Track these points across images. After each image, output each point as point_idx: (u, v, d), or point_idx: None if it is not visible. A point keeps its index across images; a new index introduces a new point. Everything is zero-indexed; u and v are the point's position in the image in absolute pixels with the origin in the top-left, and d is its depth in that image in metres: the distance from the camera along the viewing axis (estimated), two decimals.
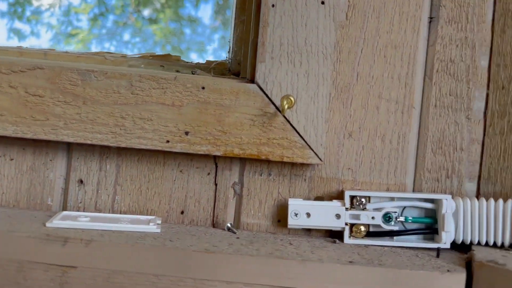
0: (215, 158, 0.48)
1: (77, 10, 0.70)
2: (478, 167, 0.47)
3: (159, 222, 0.45)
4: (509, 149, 0.45)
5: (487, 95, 0.47)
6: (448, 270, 0.38)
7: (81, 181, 0.48)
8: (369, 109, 0.47)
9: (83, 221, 0.43)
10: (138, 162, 0.48)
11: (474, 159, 0.47)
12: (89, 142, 0.45)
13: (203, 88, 0.45)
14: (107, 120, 0.45)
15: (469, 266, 0.39)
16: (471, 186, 0.47)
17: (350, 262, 0.38)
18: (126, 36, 0.70)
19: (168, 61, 0.53)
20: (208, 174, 0.48)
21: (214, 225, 0.48)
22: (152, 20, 0.71)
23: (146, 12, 0.71)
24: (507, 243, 0.42)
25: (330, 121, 0.47)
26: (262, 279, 0.37)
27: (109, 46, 0.69)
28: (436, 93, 0.47)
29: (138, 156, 0.48)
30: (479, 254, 0.40)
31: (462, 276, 0.38)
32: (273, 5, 0.44)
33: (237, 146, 0.45)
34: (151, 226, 0.43)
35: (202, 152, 0.45)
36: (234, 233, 0.45)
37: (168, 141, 0.45)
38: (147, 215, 0.47)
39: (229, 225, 0.46)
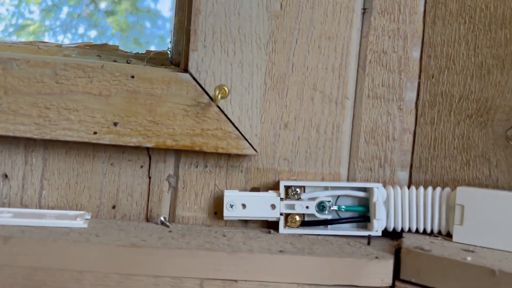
0: (148, 150, 0.46)
1: (29, 0, 0.67)
2: (410, 156, 0.48)
3: (88, 217, 0.43)
4: (439, 138, 0.47)
5: (419, 85, 0.48)
6: (376, 257, 0.38)
7: (6, 176, 0.46)
8: (304, 100, 0.47)
9: (5, 217, 0.41)
10: (66, 155, 0.46)
11: (406, 148, 0.48)
12: (11, 134, 0.42)
13: (132, 77, 0.43)
14: (30, 111, 0.42)
15: (398, 253, 0.40)
16: (404, 175, 0.48)
17: (281, 251, 0.38)
18: (81, 29, 0.67)
19: (105, 51, 0.51)
20: (141, 166, 0.46)
21: (148, 219, 0.47)
22: (109, 12, 0.68)
23: (103, 4, 0.68)
24: (436, 230, 0.43)
25: (266, 111, 0.47)
26: (190, 272, 0.37)
27: (63, 39, 0.66)
28: (369, 84, 0.48)
29: (65, 149, 0.46)
30: (408, 241, 0.41)
31: (390, 263, 0.38)
32: None
33: (169, 137, 0.43)
34: (77, 221, 0.41)
35: (132, 144, 0.43)
36: (168, 226, 0.44)
37: (95, 133, 0.43)
38: (76, 210, 0.45)
39: (162, 218, 0.45)
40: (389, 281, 0.38)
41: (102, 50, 0.51)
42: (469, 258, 0.36)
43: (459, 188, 0.41)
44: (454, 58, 0.46)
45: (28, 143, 0.45)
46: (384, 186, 0.46)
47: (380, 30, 0.48)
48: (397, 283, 0.38)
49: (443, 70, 0.46)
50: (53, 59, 0.43)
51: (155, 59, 0.50)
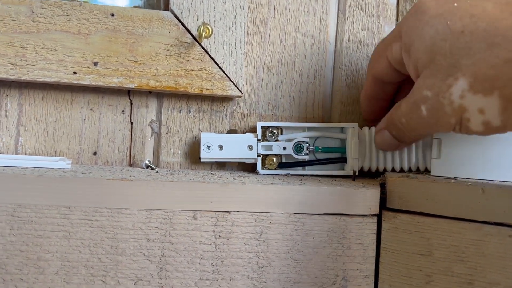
0: (129, 94, 0.45)
1: None
2: None
3: (69, 163, 0.42)
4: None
5: None
6: (363, 186, 0.39)
7: None
8: (286, 43, 0.47)
9: None
10: (43, 100, 0.44)
11: None
12: None
13: (112, 15, 0.42)
14: (6, 51, 0.40)
15: (383, 186, 0.41)
16: None
17: (272, 183, 0.38)
18: None
19: None
20: (123, 112, 0.45)
21: (131, 165, 0.46)
22: None
23: None
24: (414, 167, 0.44)
25: (249, 55, 0.47)
26: (183, 204, 0.36)
27: None
28: (349, 28, 0.48)
29: (42, 94, 0.44)
30: (391, 174, 0.42)
31: (377, 190, 0.39)
32: None
33: (152, 78, 0.42)
34: (60, 162, 0.40)
35: (114, 85, 0.42)
36: (154, 169, 0.43)
37: (75, 73, 0.41)
38: (55, 157, 0.44)
39: (147, 162, 0.44)
40: (376, 209, 0.39)
41: None
42: (453, 181, 0.37)
43: None
44: None
45: (3, 89, 0.43)
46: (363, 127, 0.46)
47: None
48: (385, 211, 0.39)
49: None
50: None
51: None
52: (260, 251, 0.37)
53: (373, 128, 0.45)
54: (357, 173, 0.44)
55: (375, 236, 0.39)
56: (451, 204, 0.36)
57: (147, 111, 0.46)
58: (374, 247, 0.39)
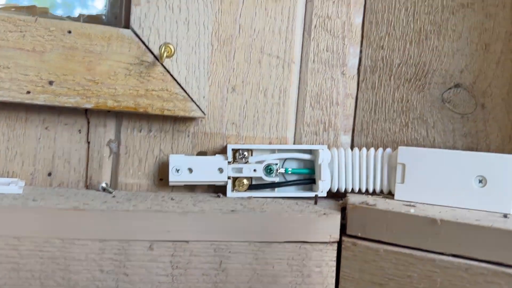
0: (86, 113, 0.43)
1: None
2: (352, 120, 0.49)
3: (22, 185, 0.40)
4: (380, 102, 0.48)
5: (361, 51, 0.49)
6: (324, 213, 0.39)
7: None
8: (251, 63, 0.47)
9: None
10: None
11: (349, 112, 0.49)
12: None
13: (69, 32, 0.40)
14: None
15: (344, 210, 0.41)
16: (346, 139, 0.49)
17: (232, 211, 0.38)
18: None
19: (35, 14, 0.47)
20: (79, 131, 0.44)
21: (87, 187, 0.44)
22: None
23: None
24: (378, 189, 0.45)
25: (213, 74, 0.46)
26: (139, 234, 0.35)
27: None
28: (314, 49, 0.48)
29: None
30: (354, 198, 0.42)
31: (337, 218, 0.39)
32: None
33: (111, 97, 0.41)
34: (11, 187, 0.38)
35: (69, 105, 0.40)
36: (110, 192, 0.42)
37: (29, 92, 0.39)
38: (8, 178, 0.42)
39: (104, 184, 0.43)
40: (336, 236, 0.39)
41: (31, 13, 0.47)
42: (412, 210, 0.38)
43: (400, 148, 0.43)
44: (394, 24, 0.48)
45: None
46: (331, 148, 0.46)
47: None
48: (345, 238, 0.39)
49: (384, 36, 0.48)
50: None
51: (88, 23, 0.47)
52: (219, 281, 0.36)
53: (341, 150, 0.45)
54: (325, 194, 0.45)
55: (334, 263, 0.39)
56: (408, 234, 0.37)
57: (105, 131, 0.44)
58: (334, 275, 0.39)
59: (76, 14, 0.49)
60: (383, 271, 0.37)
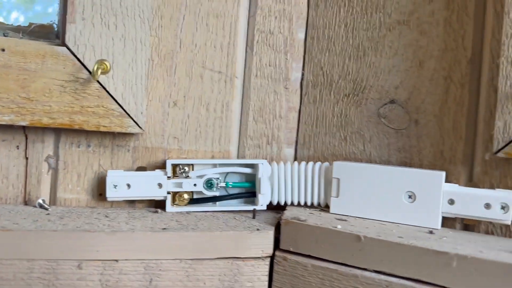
0: (24, 129, 0.43)
1: None
2: (295, 133, 0.50)
3: None
4: (321, 116, 0.49)
5: (303, 66, 0.50)
6: (257, 229, 0.40)
7: None
8: (193, 78, 0.47)
9: None
10: None
11: (292, 126, 0.50)
12: None
13: (3, 50, 0.40)
14: None
15: (279, 225, 0.42)
16: (290, 152, 0.50)
17: (164, 229, 0.38)
18: None
19: None
20: (17, 147, 0.43)
21: (26, 202, 0.44)
22: None
23: None
24: (316, 202, 0.46)
25: (154, 89, 0.46)
26: (67, 254, 0.35)
27: None
28: (257, 64, 0.49)
29: None
30: (289, 213, 0.43)
31: (270, 234, 0.40)
32: None
33: (46, 115, 0.41)
34: None
35: (4, 122, 0.40)
36: (46, 209, 0.42)
37: None
38: None
39: (40, 201, 0.43)
40: (269, 251, 0.40)
41: None
42: (339, 226, 0.38)
43: (335, 163, 0.44)
44: (334, 40, 0.48)
45: None
46: (271, 162, 0.47)
47: (267, 10, 0.49)
48: (277, 253, 0.40)
49: (325, 51, 0.49)
50: None
51: (38, 32, 0.47)
52: None
53: (281, 164, 0.46)
54: (265, 207, 0.45)
55: (267, 278, 0.40)
56: (335, 250, 0.38)
57: (44, 146, 0.44)
58: None
59: (26, 22, 0.48)
60: (311, 286, 0.38)
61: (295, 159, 0.50)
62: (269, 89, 0.49)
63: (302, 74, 0.50)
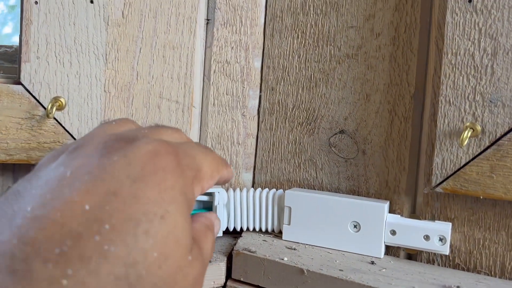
0: None
1: None
2: (253, 159, 0.52)
3: None
4: (277, 143, 0.51)
5: (260, 93, 0.51)
6: (210, 261, 0.42)
7: None
8: (150, 108, 0.48)
9: None
10: None
11: (250, 151, 0.52)
12: None
13: None
14: None
15: (231, 255, 0.43)
16: (248, 176, 0.52)
17: None
18: None
19: None
20: None
21: None
22: None
23: None
24: (270, 229, 0.48)
25: None
26: None
27: None
28: (214, 93, 0.50)
29: None
30: (243, 241, 0.45)
31: (222, 265, 0.42)
32: (36, 2, 0.42)
33: (3, 151, 0.42)
34: None
35: None
36: None
37: None
38: None
39: None
40: (221, 282, 0.42)
41: None
42: (285, 258, 0.40)
43: (287, 192, 0.46)
44: (288, 70, 0.50)
45: None
46: (230, 187, 0.49)
47: (223, 41, 0.50)
48: (229, 283, 0.42)
49: (280, 80, 0.50)
50: None
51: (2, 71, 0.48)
52: None
53: (237, 191, 0.47)
54: (222, 234, 0.47)
55: None
56: (281, 281, 0.40)
57: (3, 179, 0.45)
58: None
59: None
60: None
61: (253, 183, 0.52)
62: (226, 117, 0.51)
63: (259, 101, 0.51)
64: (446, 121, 0.40)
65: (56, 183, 0.22)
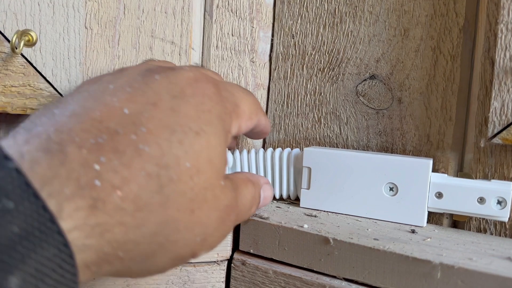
0: None
1: None
2: None
3: None
4: (292, 94, 0.43)
5: (272, 35, 0.43)
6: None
7: None
8: (140, 50, 0.40)
9: None
10: None
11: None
12: None
13: None
14: None
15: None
16: None
17: None
18: None
19: None
20: None
21: None
22: None
23: None
24: (285, 195, 0.40)
25: (94, 63, 0.39)
26: None
27: None
28: (218, 33, 0.42)
29: None
30: None
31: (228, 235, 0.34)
32: None
33: None
34: None
35: None
36: None
37: None
38: None
39: None
40: (226, 254, 0.34)
41: None
42: (305, 226, 0.33)
43: (306, 149, 0.38)
44: (307, 4, 0.42)
45: None
46: (236, 148, 0.41)
47: None
48: (236, 255, 0.35)
49: (297, 18, 0.42)
50: None
51: None
52: None
53: (244, 152, 0.40)
54: None
55: (223, 285, 0.34)
56: (300, 253, 0.32)
57: None
58: None
59: None
60: None
61: (264, 143, 0.44)
62: (232, 63, 0.43)
63: (271, 44, 0.43)
64: (508, 54, 0.32)
65: (98, 94, 0.23)
